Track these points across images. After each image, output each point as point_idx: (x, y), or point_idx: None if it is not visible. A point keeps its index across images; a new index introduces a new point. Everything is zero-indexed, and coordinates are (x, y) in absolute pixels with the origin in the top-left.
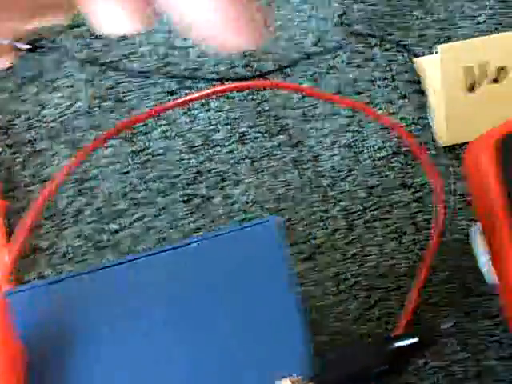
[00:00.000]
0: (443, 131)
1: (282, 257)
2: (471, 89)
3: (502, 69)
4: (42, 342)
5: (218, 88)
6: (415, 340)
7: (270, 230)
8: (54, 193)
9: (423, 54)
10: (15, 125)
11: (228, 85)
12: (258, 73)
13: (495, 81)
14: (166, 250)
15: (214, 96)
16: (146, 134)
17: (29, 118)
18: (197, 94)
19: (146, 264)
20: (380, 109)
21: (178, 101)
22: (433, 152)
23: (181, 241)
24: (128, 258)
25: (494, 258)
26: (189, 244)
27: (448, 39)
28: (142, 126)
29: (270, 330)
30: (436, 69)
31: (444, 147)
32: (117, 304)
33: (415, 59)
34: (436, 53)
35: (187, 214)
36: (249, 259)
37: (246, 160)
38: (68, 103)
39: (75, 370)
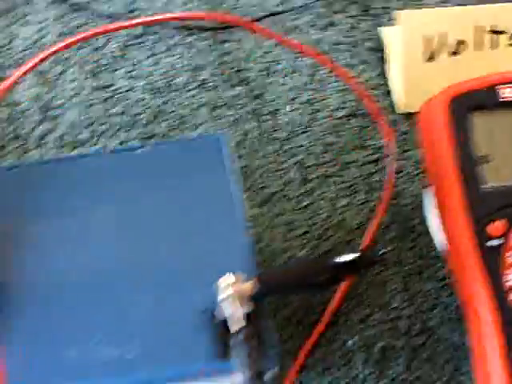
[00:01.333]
0: (401, 98)
1: (228, 168)
2: (430, 58)
3: (461, 42)
4: None
5: (178, 15)
6: (352, 257)
7: (218, 143)
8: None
9: (387, 24)
10: None
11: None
12: (221, 25)
13: (454, 53)
14: (114, 152)
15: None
16: (110, 71)
17: None
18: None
19: (95, 162)
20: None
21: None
22: (391, 118)
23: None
24: (79, 154)
25: (443, 222)
26: (136, 149)
27: None
28: (107, 64)
29: (215, 234)
30: (397, 38)
31: (402, 114)
32: (64, 196)
33: (379, 28)
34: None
35: None
36: (195, 168)
37: (206, 106)
38: (36, 37)
39: (21, 250)
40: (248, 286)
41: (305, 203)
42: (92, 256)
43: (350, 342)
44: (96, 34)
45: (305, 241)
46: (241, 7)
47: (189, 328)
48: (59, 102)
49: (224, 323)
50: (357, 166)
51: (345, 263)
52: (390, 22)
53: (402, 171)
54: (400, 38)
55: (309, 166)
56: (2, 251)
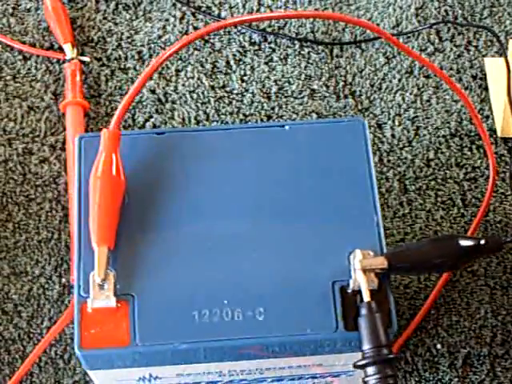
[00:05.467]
0: (501, 124)
1: (369, 150)
2: None
3: None
4: (137, 182)
5: (293, 13)
6: (482, 242)
7: (359, 127)
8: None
9: (490, 55)
10: (107, 42)
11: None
12: (335, 41)
13: None
14: (260, 127)
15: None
16: (226, 74)
17: (120, 39)
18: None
19: (240, 134)
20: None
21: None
22: (490, 141)
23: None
24: (225, 126)
25: None
26: (283, 126)
27: None
28: (224, 66)
29: (350, 211)
30: (501, 68)
31: (500, 138)
32: (209, 164)
33: (483, 58)
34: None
35: None
36: (339, 147)
37: (313, 114)
38: (158, 33)
39: (162, 209)
40: (377, 263)
41: (402, 212)
42: (227, 222)
43: (437, 347)
44: (221, 27)
45: None
46: (355, 27)
47: (317, 298)
48: (174, 96)
49: (352, 297)
50: (454, 182)
51: (474, 246)
52: (494, 53)
53: (496, 191)
54: (506, 64)
55: (408, 178)
56: (142, 213)
